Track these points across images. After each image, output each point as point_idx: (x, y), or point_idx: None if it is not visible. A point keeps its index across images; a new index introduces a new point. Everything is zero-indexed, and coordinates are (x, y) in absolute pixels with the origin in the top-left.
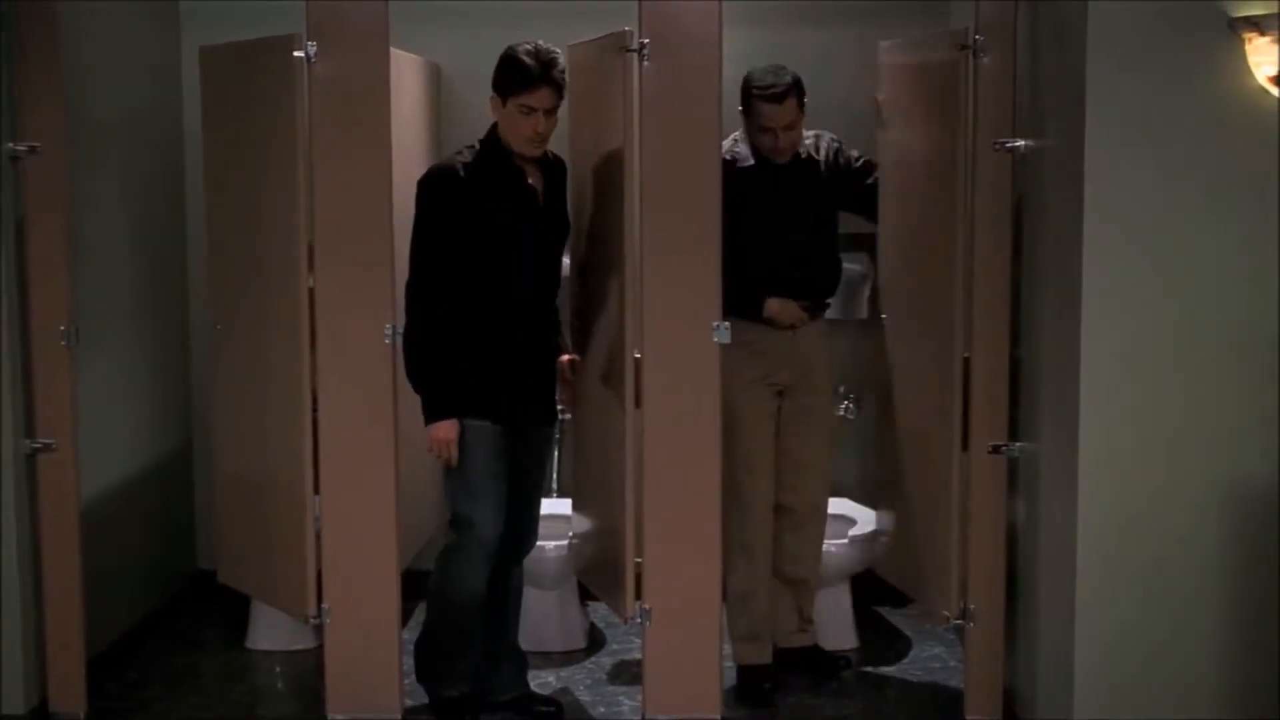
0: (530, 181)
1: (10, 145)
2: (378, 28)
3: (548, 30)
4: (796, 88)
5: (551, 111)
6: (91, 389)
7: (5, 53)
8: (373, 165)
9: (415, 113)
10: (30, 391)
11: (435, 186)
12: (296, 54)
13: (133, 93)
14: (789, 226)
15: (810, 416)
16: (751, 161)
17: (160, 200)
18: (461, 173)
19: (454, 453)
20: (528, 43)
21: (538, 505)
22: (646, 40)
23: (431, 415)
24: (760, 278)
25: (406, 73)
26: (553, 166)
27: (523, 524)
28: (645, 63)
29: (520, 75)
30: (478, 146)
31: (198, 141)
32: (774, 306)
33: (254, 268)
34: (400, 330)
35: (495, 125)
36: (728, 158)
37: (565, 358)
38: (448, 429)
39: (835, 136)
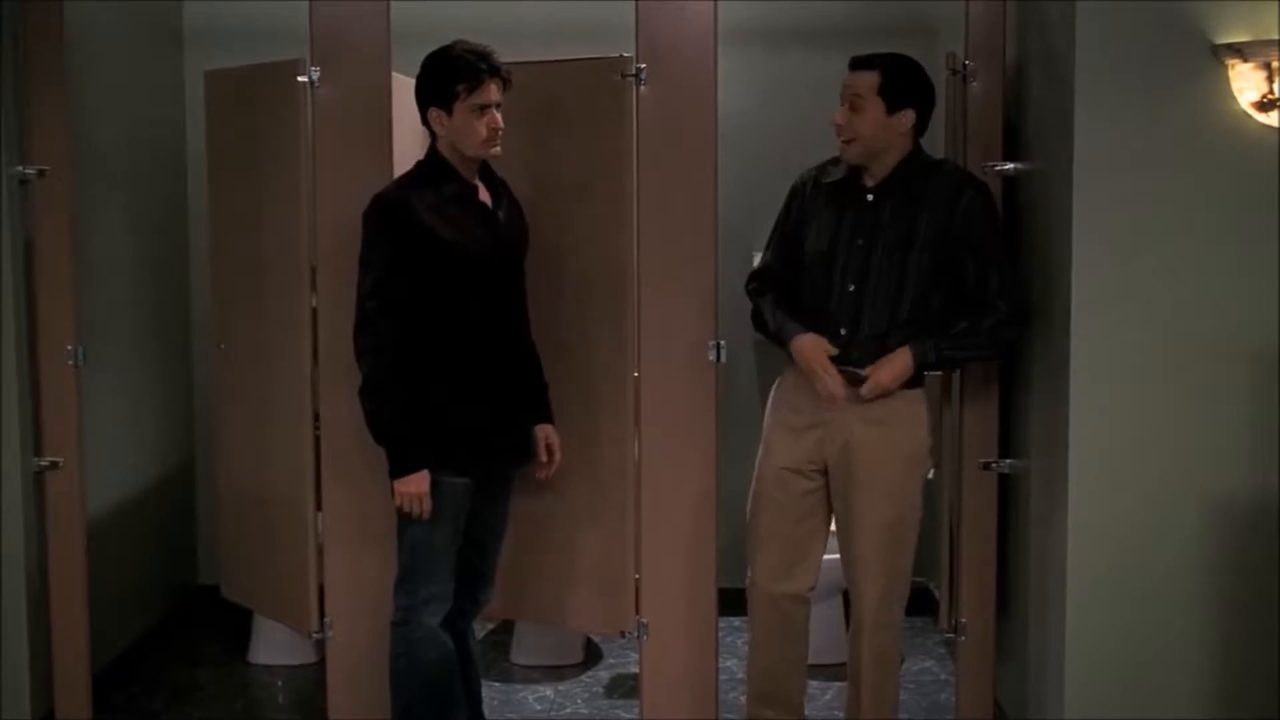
0: (482, 199)
1: (19, 169)
2: (380, 52)
3: (544, 54)
4: (882, 68)
5: (500, 106)
6: (96, 407)
7: (13, 78)
8: (375, 187)
9: (415, 136)
10: (38, 410)
11: (385, 218)
12: (300, 78)
13: (137, 116)
14: (845, 265)
15: (851, 514)
16: (837, 177)
17: (164, 221)
18: (412, 199)
19: (428, 506)
20: (452, 45)
21: (497, 554)
22: (643, 65)
23: (400, 469)
24: (807, 313)
25: (406, 96)
26: (495, 179)
27: (480, 575)
28: (642, 87)
29: (467, 73)
30: (419, 170)
31: (200, 163)
32: (803, 342)
33: (257, 288)
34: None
35: (432, 147)
36: (814, 171)
37: (545, 434)
38: (419, 482)
39: (980, 191)
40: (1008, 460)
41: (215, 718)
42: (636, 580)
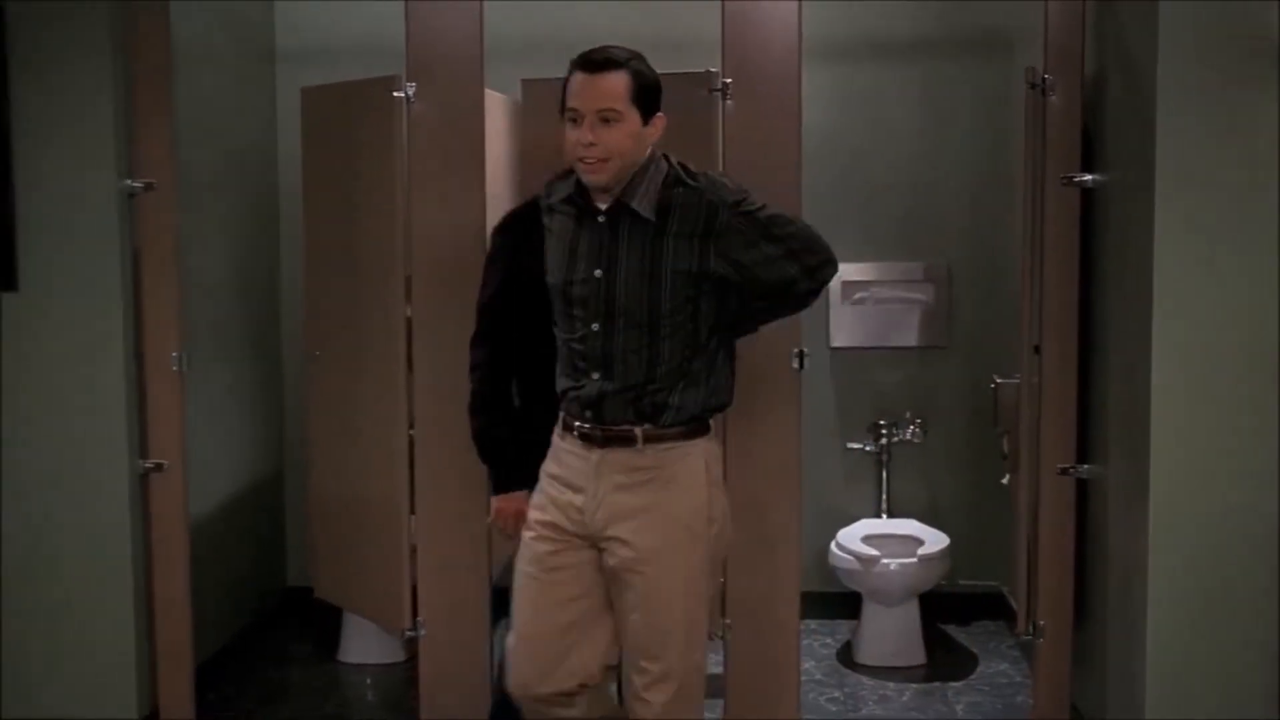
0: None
1: (127, 182)
2: (474, 69)
3: None
4: (631, 71)
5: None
6: (194, 413)
7: (123, 92)
8: (468, 201)
9: (503, 150)
10: (143, 414)
11: (498, 231)
12: (396, 94)
13: (232, 131)
14: (586, 303)
15: (620, 600)
16: (564, 194)
17: (256, 233)
18: (525, 212)
19: (518, 529)
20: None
21: None
22: (729, 80)
23: (499, 487)
24: (561, 372)
25: (495, 111)
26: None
27: None
28: (728, 101)
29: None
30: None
31: (292, 177)
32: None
33: (353, 298)
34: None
35: None
36: (542, 198)
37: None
38: (517, 502)
39: (721, 187)
40: (1086, 465)
41: (307, 715)
42: (721, 583)
